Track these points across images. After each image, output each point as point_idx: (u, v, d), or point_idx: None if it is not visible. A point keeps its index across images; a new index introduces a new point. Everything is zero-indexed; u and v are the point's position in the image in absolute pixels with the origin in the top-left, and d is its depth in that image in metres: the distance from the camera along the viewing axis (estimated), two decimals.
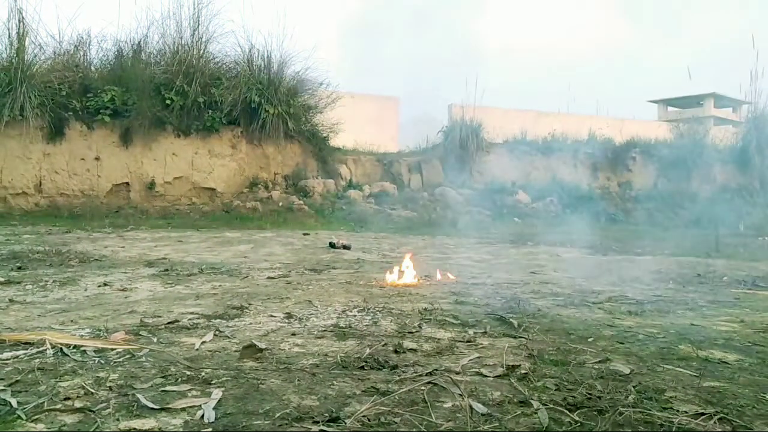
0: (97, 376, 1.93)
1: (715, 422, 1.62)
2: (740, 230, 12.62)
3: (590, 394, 1.83)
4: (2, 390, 1.79)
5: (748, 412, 1.73)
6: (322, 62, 20.47)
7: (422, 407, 1.71)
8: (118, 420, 1.58)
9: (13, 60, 10.74)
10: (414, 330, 2.71)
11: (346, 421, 1.59)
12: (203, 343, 2.41)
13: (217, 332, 2.60)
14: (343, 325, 2.78)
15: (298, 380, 1.94)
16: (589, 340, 2.59)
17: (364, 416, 1.62)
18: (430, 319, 2.97)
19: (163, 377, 1.95)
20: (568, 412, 1.68)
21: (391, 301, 3.49)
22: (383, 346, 2.39)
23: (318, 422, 1.57)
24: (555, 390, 1.88)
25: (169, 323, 2.76)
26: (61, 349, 2.23)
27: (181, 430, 1.54)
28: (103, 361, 2.11)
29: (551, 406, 1.72)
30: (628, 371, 2.10)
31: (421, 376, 2.00)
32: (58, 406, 1.67)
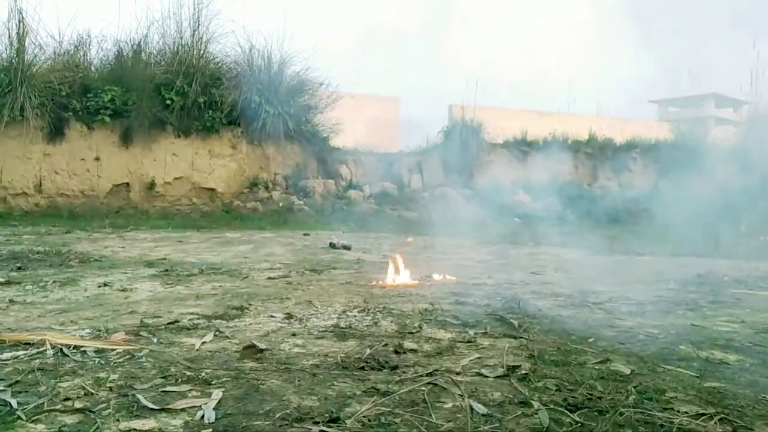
0: (97, 377, 1.93)
1: (715, 423, 1.62)
2: (741, 230, 12.62)
3: (591, 394, 1.83)
4: (2, 390, 1.79)
5: (749, 412, 1.73)
6: (322, 62, 20.47)
7: (422, 408, 1.71)
8: (118, 420, 1.58)
9: (13, 60, 10.74)
10: (414, 330, 2.71)
11: (346, 421, 1.59)
12: (203, 343, 2.41)
13: (217, 333, 2.60)
14: (344, 326, 2.78)
15: (299, 381, 1.94)
16: (590, 340, 2.58)
17: (364, 417, 1.62)
18: (431, 319, 2.97)
19: (163, 378, 1.95)
20: (568, 413, 1.67)
21: (392, 301, 3.49)
22: (384, 346, 2.39)
23: (318, 423, 1.57)
24: (555, 390, 1.88)
25: (169, 323, 2.76)
26: (61, 349, 2.23)
27: (181, 430, 1.54)
28: (103, 362, 2.11)
29: (552, 406, 1.72)
30: (628, 372, 2.10)
31: (421, 376, 2.00)
32: (58, 407, 1.67)
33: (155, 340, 2.45)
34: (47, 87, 10.89)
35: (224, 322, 2.84)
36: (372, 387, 1.88)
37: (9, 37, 10.86)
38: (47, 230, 8.61)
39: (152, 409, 1.67)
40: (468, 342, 2.52)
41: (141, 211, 11.45)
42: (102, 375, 1.95)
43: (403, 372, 2.05)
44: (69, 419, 1.60)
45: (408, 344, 2.43)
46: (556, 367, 2.14)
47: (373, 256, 6.40)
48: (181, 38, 12.32)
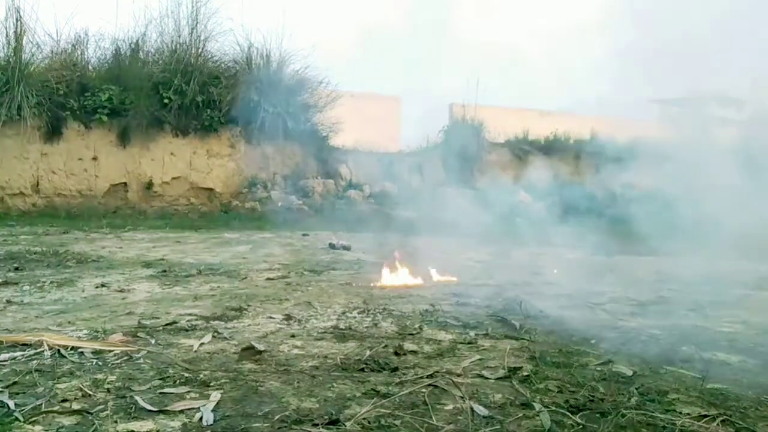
0: (95, 378, 1.92)
1: (718, 424, 1.61)
2: (742, 231, 12.60)
3: (592, 396, 1.82)
4: (0, 392, 1.78)
5: (751, 413, 1.72)
6: (322, 61, 20.43)
7: (423, 409, 1.69)
8: (116, 422, 1.57)
9: (11, 59, 10.70)
10: (415, 331, 2.69)
11: (346, 423, 1.57)
12: (201, 344, 2.40)
13: (215, 334, 2.58)
14: (343, 327, 2.76)
15: (298, 382, 1.93)
16: (592, 341, 2.57)
17: (364, 418, 1.60)
18: (431, 320, 2.96)
19: (161, 379, 1.94)
20: (570, 415, 1.66)
21: (392, 302, 3.47)
22: (383, 347, 2.37)
23: (318, 425, 1.56)
24: (557, 392, 1.86)
25: (167, 325, 2.75)
26: (59, 350, 2.21)
27: None
28: (100, 363, 2.10)
29: (553, 408, 1.71)
30: (630, 373, 2.09)
31: (421, 378, 1.98)
32: (56, 408, 1.66)
33: (153, 342, 2.43)
34: (44, 86, 10.85)
35: (222, 323, 2.83)
36: (372, 389, 1.87)
37: (6, 35, 10.81)
38: (44, 230, 8.58)
39: (150, 410, 1.66)
40: (469, 343, 2.50)
41: (139, 211, 11.43)
42: (100, 376, 1.94)
43: (404, 373, 2.04)
44: (67, 420, 1.58)
45: (408, 346, 2.41)
46: (558, 369, 2.13)
47: (372, 256, 6.39)
48: (179, 37, 12.28)
